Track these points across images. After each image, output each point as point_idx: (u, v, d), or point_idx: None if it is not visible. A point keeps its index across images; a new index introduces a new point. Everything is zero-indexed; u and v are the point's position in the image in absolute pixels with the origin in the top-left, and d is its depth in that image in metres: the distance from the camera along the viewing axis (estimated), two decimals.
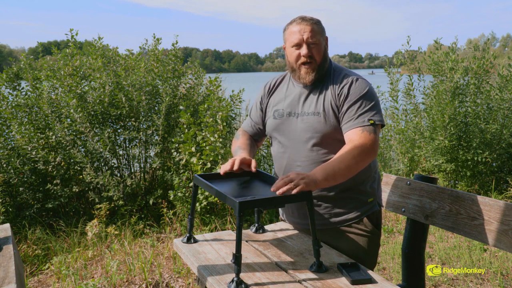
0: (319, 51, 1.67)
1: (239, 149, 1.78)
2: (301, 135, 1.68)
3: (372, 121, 1.59)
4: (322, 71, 1.70)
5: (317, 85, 1.71)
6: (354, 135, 1.57)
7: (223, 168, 1.63)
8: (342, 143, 1.63)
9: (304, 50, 1.65)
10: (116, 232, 3.68)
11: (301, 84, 1.74)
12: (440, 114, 4.69)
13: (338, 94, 1.65)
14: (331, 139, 1.65)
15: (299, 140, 1.69)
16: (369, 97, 1.63)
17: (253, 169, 1.64)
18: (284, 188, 1.38)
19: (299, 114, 1.70)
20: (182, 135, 4.07)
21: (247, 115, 2.50)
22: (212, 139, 3.92)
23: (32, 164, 4.14)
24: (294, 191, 1.37)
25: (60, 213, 4.28)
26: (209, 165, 3.88)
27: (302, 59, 1.67)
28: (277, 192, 1.38)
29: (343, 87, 1.65)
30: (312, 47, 1.66)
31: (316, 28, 1.67)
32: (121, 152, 4.71)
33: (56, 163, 4.14)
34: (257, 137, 1.93)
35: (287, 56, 1.73)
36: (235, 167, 1.61)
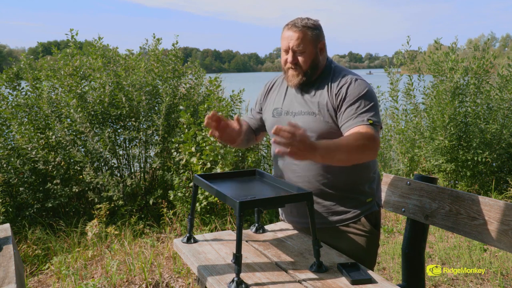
0: (306, 59, 1.66)
1: None
2: None
3: (371, 121, 1.57)
4: (311, 76, 1.69)
5: (315, 85, 1.71)
6: (360, 129, 1.55)
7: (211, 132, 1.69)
8: None
9: (289, 57, 1.67)
10: (116, 232, 3.68)
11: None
12: (440, 114, 4.69)
13: (336, 94, 1.65)
14: (326, 139, 1.65)
15: None
16: (368, 98, 1.62)
17: (235, 119, 1.74)
18: (282, 149, 1.34)
19: (296, 113, 1.71)
20: (182, 135, 4.08)
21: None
22: (212, 139, 3.92)
23: (32, 164, 4.13)
24: (287, 151, 1.33)
25: (60, 213, 4.28)
26: (209, 165, 3.88)
27: (288, 65, 1.69)
28: (273, 139, 1.34)
29: (341, 88, 1.65)
30: (298, 55, 1.66)
31: (306, 35, 1.65)
32: (121, 152, 4.71)
33: (56, 163, 4.14)
34: (256, 131, 1.96)
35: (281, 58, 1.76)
36: (211, 120, 1.65)
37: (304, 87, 1.73)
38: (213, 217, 3.92)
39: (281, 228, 1.88)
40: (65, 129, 4.19)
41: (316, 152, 1.38)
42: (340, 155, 1.48)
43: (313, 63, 1.68)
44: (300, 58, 1.66)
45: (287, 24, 1.70)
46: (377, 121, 1.59)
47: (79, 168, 4.28)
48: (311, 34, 1.66)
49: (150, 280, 2.95)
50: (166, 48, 5.14)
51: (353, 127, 1.57)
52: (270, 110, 1.82)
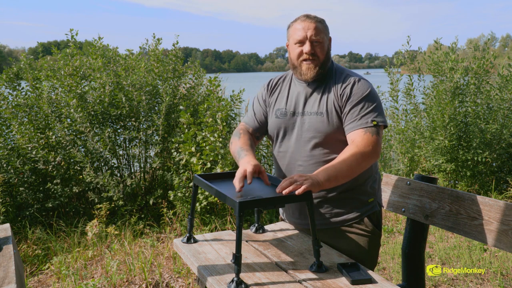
0: (322, 49, 1.67)
1: (241, 151, 1.66)
2: (304, 135, 1.69)
3: (375, 122, 1.59)
4: (324, 69, 1.70)
5: (320, 85, 1.71)
6: (357, 137, 1.58)
7: (237, 186, 1.47)
8: (344, 143, 1.63)
9: (307, 47, 1.65)
10: (116, 232, 3.67)
11: (303, 82, 1.74)
12: (440, 114, 4.69)
13: (340, 95, 1.65)
14: (333, 140, 1.65)
15: (301, 139, 1.69)
16: (371, 98, 1.64)
17: (266, 183, 1.54)
18: (290, 188, 1.39)
19: (302, 114, 1.71)
20: (182, 135, 4.07)
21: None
22: (212, 139, 3.92)
23: (32, 164, 4.14)
24: (298, 191, 1.38)
25: (60, 213, 4.28)
26: (209, 165, 3.88)
27: (304, 56, 1.67)
28: (283, 192, 1.39)
29: (345, 88, 1.65)
30: (315, 45, 1.66)
31: (320, 27, 1.67)
32: (121, 152, 4.71)
33: (56, 163, 4.14)
34: (258, 134, 1.87)
35: (289, 53, 1.74)
36: (249, 181, 1.48)
37: (311, 86, 1.73)
38: (213, 217, 3.92)
39: (281, 228, 1.88)
40: (65, 129, 4.19)
41: (321, 184, 1.45)
42: (343, 174, 1.52)
43: (327, 55, 1.70)
44: (317, 48, 1.66)
45: (298, 18, 1.70)
46: (381, 121, 1.61)
47: (79, 168, 4.28)
48: (323, 26, 1.69)
49: (150, 280, 2.95)
50: (166, 48, 5.15)
51: (355, 129, 1.60)
52: (272, 111, 1.81)
